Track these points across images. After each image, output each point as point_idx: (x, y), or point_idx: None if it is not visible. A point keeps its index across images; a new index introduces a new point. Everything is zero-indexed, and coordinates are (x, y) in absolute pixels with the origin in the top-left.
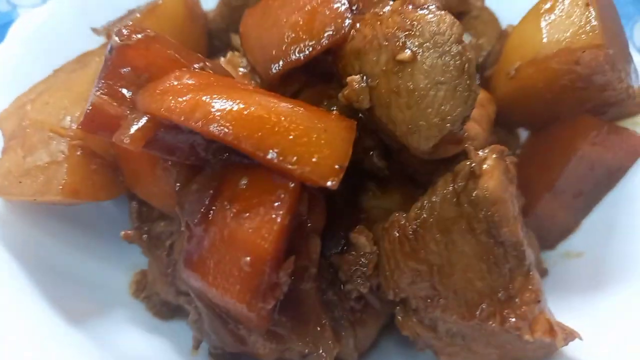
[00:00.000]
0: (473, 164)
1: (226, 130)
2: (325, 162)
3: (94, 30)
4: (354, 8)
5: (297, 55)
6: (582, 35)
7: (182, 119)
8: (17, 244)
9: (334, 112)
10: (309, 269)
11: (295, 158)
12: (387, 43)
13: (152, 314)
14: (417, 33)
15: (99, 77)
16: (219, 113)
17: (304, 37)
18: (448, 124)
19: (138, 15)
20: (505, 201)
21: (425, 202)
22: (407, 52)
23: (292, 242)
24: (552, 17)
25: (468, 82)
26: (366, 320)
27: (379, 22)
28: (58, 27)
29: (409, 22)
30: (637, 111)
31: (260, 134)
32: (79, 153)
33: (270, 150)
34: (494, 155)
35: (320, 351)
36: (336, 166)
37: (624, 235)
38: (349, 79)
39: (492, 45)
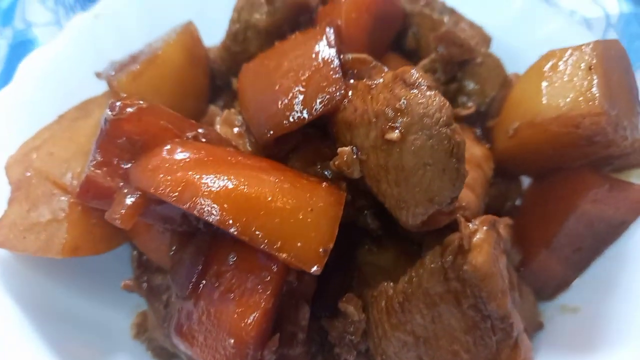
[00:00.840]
0: (462, 238)
1: (214, 213)
2: (310, 246)
3: (97, 74)
4: (349, 72)
5: (290, 122)
6: (582, 103)
7: (172, 199)
8: (19, 289)
9: (323, 185)
10: (298, 335)
11: (280, 243)
12: (376, 120)
13: (152, 356)
14: (406, 113)
15: (94, 147)
16: (206, 195)
17: (297, 104)
18: (435, 204)
19: (138, 66)
20: (494, 276)
21: (413, 275)
22: (396, 133)
23: (281, 309)
24: (554, 78)
25: (456, 165)
26: None
27: (370, 96)
28: (66, 65)
29: (398, 102)
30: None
31: (246, 217)
32: (79, 209)
33: (256, 235)
34: (485, 228)
35: None
36: (320, 250)
37: (623, 293)
38: (339, 150)
39: (495, 91)
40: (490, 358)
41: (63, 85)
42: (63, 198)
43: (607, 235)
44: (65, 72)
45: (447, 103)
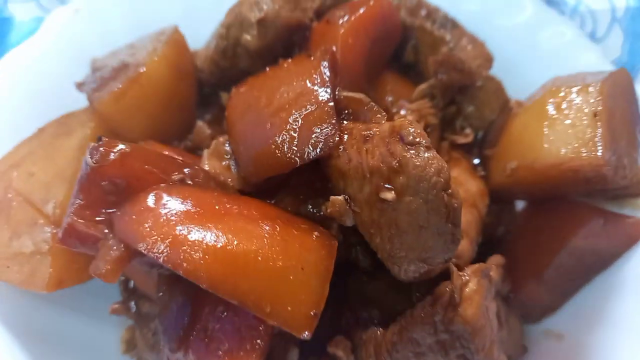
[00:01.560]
0: (454, 290)
1: (201, 276)
2: (300, 310)
3: (78, 85)
4: (344, 112)
5: (280, 165)
6: (584, 153)
7: (158, 258)
8: (4, 308)
9: (314, 235)
10: None
11: (269, 309)
12: (370, 176)
13: None
14: (403, 174)
15: (76, 188)
16: (194, 256)
17: (288, 148)
18: (428, 265)
19: (120, 85)
20: (484, 329)
21: (403, 325)
22: (391, 193)
23: (271, 350)
24: (557, 122)
25: (452, 230)
26: None
27: (365, 148)
28: (46, 66)
29: (395, 160)
30: (637, 194)
31: (234, 280)
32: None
33: (245, 299)
34: (476, 280)
35: None
36: (311, 313)
37: (608, 324)
38: (332, 198)
39: (494, 115)
40: None
41: (42, 88)
42: (46, 229)
43: (597, 265)
44: (44, 74)
45: (446, 166)
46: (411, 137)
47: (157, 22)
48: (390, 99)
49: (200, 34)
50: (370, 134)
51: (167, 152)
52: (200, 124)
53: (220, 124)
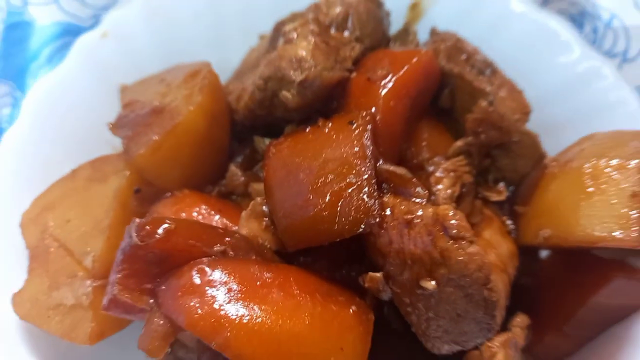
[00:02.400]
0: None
1: (247, 357)
2: None
3: (112, 128)
4: (383, 186)
5: (319, 238)
6: (619, 234)
7: (204, 338)
8: (44, 353)
9: (352, 310)
10: None
11: None
12: (412, 264)
13: None
14: (445, 266)
15: (119, 257)
16: (238, 338)
17: (328, 222)
18: (461, 347)
19: (156, 137)
20: None
21: None
22: (432, 283)
23: None
24: (593, 196)
25: (489, 320)
26: None
27: (407, 234)
28: (75, 95)
29: (437, 252)
30: None
31: None
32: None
33: None
34: (504, 351)
35: None
36: None
37: None
38: (370, 274)
39: (528, 169)
40: None
41: (70, 118)
42: (87, 282)
43: (615, 317)
44: (72, 103)
45: (487, 262)
46: (455, 230)
47: (184, 45)
48: (426, 155)
49: (228, 60)
50: (413, 219)
51: (205, 212)
52: (233, 169)
53: (252, 167)
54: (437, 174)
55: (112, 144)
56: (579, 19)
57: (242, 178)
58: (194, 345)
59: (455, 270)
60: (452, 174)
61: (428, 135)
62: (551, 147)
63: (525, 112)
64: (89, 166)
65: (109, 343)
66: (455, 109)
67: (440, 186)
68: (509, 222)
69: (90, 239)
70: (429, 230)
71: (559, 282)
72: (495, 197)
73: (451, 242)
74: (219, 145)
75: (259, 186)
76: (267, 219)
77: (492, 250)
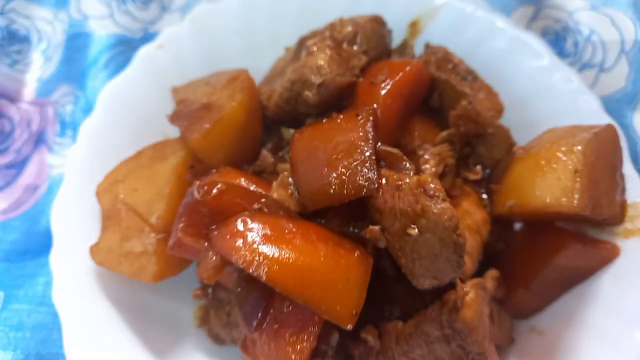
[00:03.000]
0: (457, 298)
1: (277, 283)
2: (346, 310)
3: (170, 118)
4: (381, 163)
5: (331, 200)
6: (564, 200)
7: (247, 269)
8: (112, 293)
9: (356, 254)
10: (328, 352)
11: (324, 307)
12: (400, 217)
13: (212, 341)
14: (424, 218)
15: (181, 211)
16: (272, 268)
17: (338, 187)
18: (437, 281)
19: (207, 126)
20: (479, 328)
21: (418, 321)
22: (415, 230)
23: (319, 335)
24: (547, 175)
25: (457, 259)
26: None
27: (398, 195)
28: (136, 93)
29: (419, 207)
30: (616, 223)
31: (300, 287)
32: (163, 244)
33: (307, 299)
34: (474, 291)
35: None
36: (353, 312)
37: (579, 327)
38: (370, 227)
39: (502, 155)
40: None
41: (133, 111)
42: (151, 235)
43: (575, 278)
44: (136, 101)
45: (455, 213)
46: (432, 191)
47: (224, 55)
48: (417, 142)
49: (260, 66)
50: (402, 184)
51: (245, 182)
52: (264, 152)
53: (279, 151)
54: (425, 157)
55: (165, 134)
56: (562, 33)
57: (272, 160)
58: (232, 286)
59: (432, 220)
60: (437, 157)
61: (419, 127)
62: (523, 140)
63: (499, 110)
64: (151, 148)
65: (162, 292)
66: (443, 108)
67: (427, 166)
68: (484, 196)
69: (154, 203)
70: (413, 191)
71: (528, 248)
72: (472, 177)
73: (429, 199)
74: (254, 134)
75: (285, 166)
76: (291, 187)
77: (468, 216)
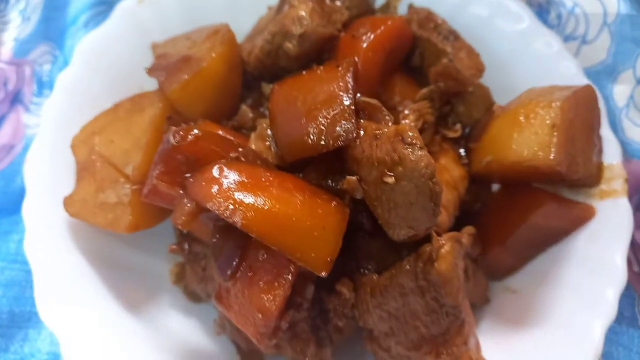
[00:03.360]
0: (432, 250)
1: (253, 229)
2: (320, 257)
3: (148, 70)
4: (361, 112)
5: (310, 150)
6: (541, 155)
7: (221, 214)
8: (86, 246)
9: (333, 204)
10: (304, 304)
11: (299, 254)
12: (377, 165)
13: (187, 299)
14: (401, 165)
15: (157, 158)
16: (247, 214)
17: (317, 138)
18: (413, 230)
19: (186, 77)
20: (453, 280)
21: (393, 273)
22: (392, 178)
23: (295, 286)
24: (524, 129)
25: (433, 207)
26: (343, 330)
27: (375, 144)
28: (115, 48)
29: (396, 155)
30: (592, 185)
31: (275, 233)
32: (138, 195)
33: (282, 246)
34: (450, 243)
35: (306, 359)
36: (328, 259)
37: (553, 285)
38: (347, 177)
39: (480, 115)
40: (442, 333)
41: (112, 65)
42: (126, 186)
43: (550, 238)
44: (114, 54)
45: (433, 162)
46: (409, 139)
47: (206, 13)
48: (397, 99)
49: (242, 26)
50: (380, 133)
51: (222, 133)
52: (244, 107)
53: (259, 107)
54: (405, 112)
55: (143, 89)
56: (546, 6)
57: (251, 115)
58: (207, 238)
59: (408, 167)
60: (416, 113)
61: (400, 85)
62: (503, 102)
63: (479, 69)
64: (129, 100)
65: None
66: (424, 67)
67: (406, 120)
68: (463, 154)
69: (131, 153)
70: (391, 140)
71: (505, 207)
72: (451, 134)
73: (406, 147)
74: (234, 88)
75: (264, 121)
76: (270, 140)
77: (446, 172)
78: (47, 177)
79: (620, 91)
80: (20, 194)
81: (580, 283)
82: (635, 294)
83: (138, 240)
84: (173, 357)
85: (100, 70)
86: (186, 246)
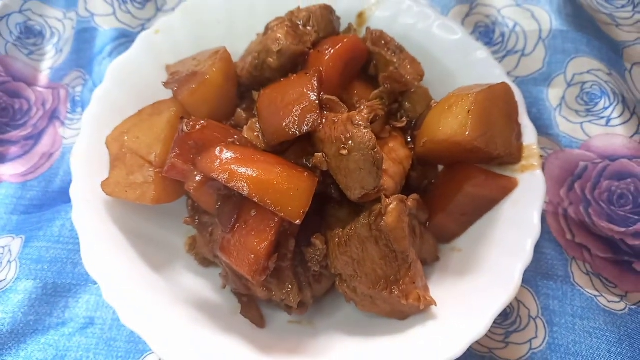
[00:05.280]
0: (382, 208)
1: (245, 190)
2: (295, 209)
3: (165, 84)
4: (325, 106)
5: (288, 135)
6: (459, 132)
7: (222, 181)
8: (117, 218)
9: (305, 174)
10: (287, 255)
11: (279, 207)
12: (335, 142)
13: (198, 264)
14: (351, 140)
15: (174, 145)
16: (241, 180)
17: (293, 125)
18: (365, 190)
19: (194, 85)
20: (399, 229)
21: (353, 226)
22: (345, 151)
23: (279, 240)
24: (448, 114)
25: (377, 171)
26: (321, 280)
27: (333, 127)
28: (137, 68)
29: (348, 133)
30: (514, 162)
31: (262, 193)
32: (160, 176)
33: (267, 202)
34: (395, 202)
35: (290, 298)
36: (301, 211)
37: (488, 243)
38: (315, 154)
39: (422, 110)
40: (394, 273)
41: (135, 82)
42: (150, 169)
43: (484, 206)
44: (136, 73)
45: (374, 136)
46: (357, 121)
47: (209, 40)
48: (356, 98)
49: (238, 50)
50: (337, 119)
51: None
52: (239, 110)
53: (251, 111)
54: (361, 108)
55: (160, 99)
56: (492, 27)
57: (244, 116)
58: (212, 207)
59: (357, 141)
60: (369, 108)
61: (358, 88)
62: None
63: (420, 74)
64: (150, 107)
65: (158, 223)
66: (377, 75)
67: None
68: (409, 141)
69: (153, 146)
70: (344, 122)
71: (445, 181)
72: (399, 125)
73: (355, 127)
74: (231, 96)
75: (254, 119)
76: (258, 131)
77: (394, 152)
78: (88, 167)
79: (554, 94)
80: (60, 192)
81: (505, 237)
82: (568, 257)
83: (159, 217)
84: (187, 306)
85: (126, 86)
86: (196, 218)
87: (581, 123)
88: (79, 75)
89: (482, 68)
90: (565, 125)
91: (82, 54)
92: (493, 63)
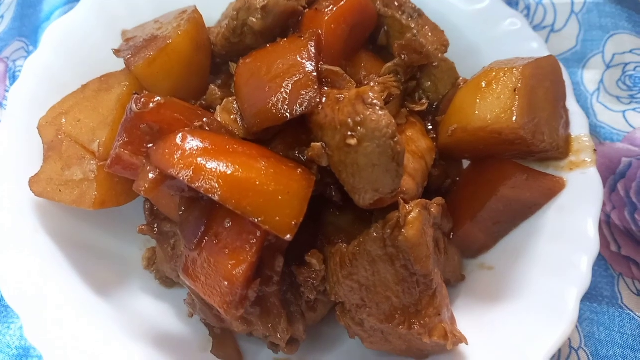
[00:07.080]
0: (400, 216)
1: (216, 193)
2: (285, 220)
3: (115, 51)
4: (324, 80)
5: (275, 118)
6: (503, 118)
7: (185, 180)
8: (55, 228)
9: (299, 171)
10: (273, 278)
11: (263, 217)
12: (340, 128)
13: (159, 284)
14: (363, 126)
15: (120, 129)
16: (210, 178)
17: (281, 105)
18: (379, 193)
19: (152, 53)
20: (421, 246)
21: (361, 241)
22: (354, 140)
23: (262, 258)
24: (487, 95)
25: (396, 168)
26: (316, 308)
27: (337, 107)
28: (83, 34)
29: (358, 116)
30: (561, 157)
31: (239, 197)
32: (105, 171)
33: (246, 210)
34: (418, 210)
35: (277, 335)
36: (293, 223)
37: (527, 260)
38: (312, 144)
39: (447, 90)
40: (414, 303)
41: (81, 52)
42: (92, 162)
43: (522, 213)
44: (83, 41)
45: (393, 121)
46: (370, 99)
47: (178, 3)
48: (363, 73)
49: (213, 14)
50: (342, 97)
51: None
52: (212, 87)
53: (228, 88)
54: (371, 84)
55: None
56: None
57: (219, 94)
58: (174, 212)
59: (370, 127)
60: (381, 86)
61: (366, 61)
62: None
63: (444, 44)
64: (97, 81)
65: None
66: (390, 46)
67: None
68: (430, 129)
69: (97, 131)
70: (352, 102)
71: (474, 181)
72: (418, 108)
73: (367, 108)
74: (202, 69)
75: (231, 97)
76: (236, 114)
77: (413, 143)
78: (13, 160)
79: (590, 77)
80: None
81: (553, 255)
82: (614, 274)
83: (108, 223)
84: (144, 341)
85: (69, 56)
86: (155, 226)
87: (623, 112)
88: (22, 47)
89: (514, 41)
90: (605, 114)
91: (26, 20)
92: (529, 34)
